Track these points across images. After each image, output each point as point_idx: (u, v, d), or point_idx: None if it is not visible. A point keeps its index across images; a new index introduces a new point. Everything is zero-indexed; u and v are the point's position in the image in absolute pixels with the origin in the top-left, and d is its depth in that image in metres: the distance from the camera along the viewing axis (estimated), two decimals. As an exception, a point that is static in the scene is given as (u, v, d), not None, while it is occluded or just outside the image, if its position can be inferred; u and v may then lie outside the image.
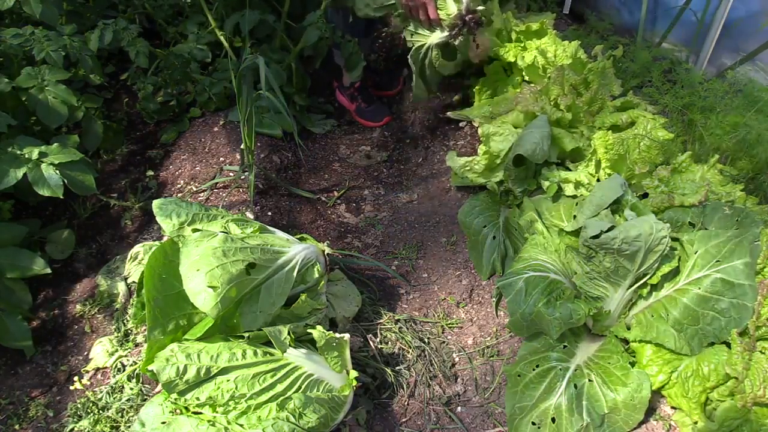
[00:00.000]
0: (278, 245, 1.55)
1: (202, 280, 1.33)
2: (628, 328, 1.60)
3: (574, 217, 1.76)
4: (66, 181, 1.85)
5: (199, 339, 1.39)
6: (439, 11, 2.05)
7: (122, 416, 1.59)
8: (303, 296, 1.54)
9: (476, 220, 1.99)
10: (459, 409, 1.62)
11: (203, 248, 1.39)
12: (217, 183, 2.28)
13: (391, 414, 1.60)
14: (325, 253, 1.69)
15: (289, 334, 1.42)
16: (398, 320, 1.80)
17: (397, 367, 1.68)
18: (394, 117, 2.67)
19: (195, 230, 1.51)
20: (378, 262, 1.99)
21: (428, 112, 2.68)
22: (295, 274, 1.53)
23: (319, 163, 2.48)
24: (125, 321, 1.84)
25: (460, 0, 2.00)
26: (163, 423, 1.30)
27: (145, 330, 1.78)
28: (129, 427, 1.56)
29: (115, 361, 1.73)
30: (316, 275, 1.60)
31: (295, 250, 1.57)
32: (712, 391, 1.44)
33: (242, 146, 2.33)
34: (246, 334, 1.40)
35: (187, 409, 1.32)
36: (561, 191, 1.92)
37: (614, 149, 1.93)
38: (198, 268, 1.35)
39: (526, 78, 2.41)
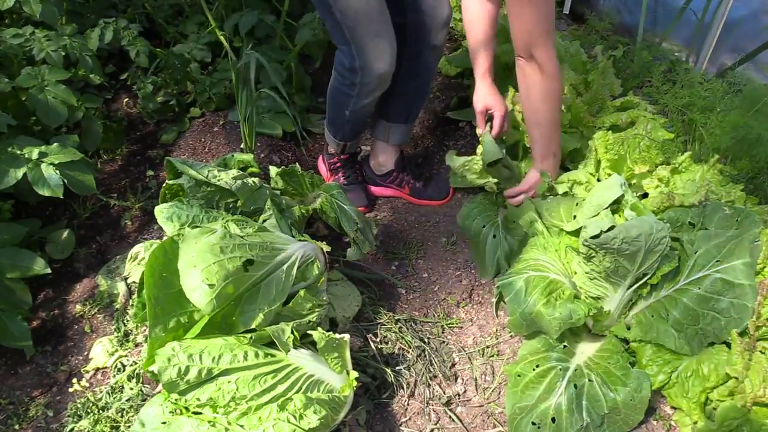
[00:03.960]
0: (277, 243, 1.56)
1: (198, 276, 1.33)
2: (628, 328, 1.60)
3: (574, 217, 1.76)
4: (66, 181, 1.85)
5: (200, 336, 1.39)
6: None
7: (122, 416, 1.59)
8: (302, 292, 1.53)
9: (475, 222, 1.99)
10: (459, 409, 1.62)
11: (201, 244, 1.40)
12: (217, 183, 2.27)
13: (391, 414, 1.60)
14: (324, 251, 1.69)
15: (292, 332, 1.41)
16: (398, 320, 1.80)
17: (397, 367, 1.68)
18: (369, 209, 2.25)
19: (194, 227, 1.52)
20: (382, 273, 1.99)
21: (428, 112, 2.68)
22: (294, 271, 1.53)
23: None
24: (125, 321, 1.84)
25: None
26: (164, 423, 1.30)
27: (145, 330, 1.79)
28: (129, 427, 1.56)
29: (115, 361, 1.73)
30: (316, 272, 1.60)
31: (294, 247, 1.57)
32: (712, 391, 1.44)
33: (242, 146, 2.33)
34: (249, 335, 1.40)
35: (187, 409, 1.32)
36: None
37: (614, 149, 1.93)
38: (195, 264, 1.35)
39: (526, 78, 2.41)
